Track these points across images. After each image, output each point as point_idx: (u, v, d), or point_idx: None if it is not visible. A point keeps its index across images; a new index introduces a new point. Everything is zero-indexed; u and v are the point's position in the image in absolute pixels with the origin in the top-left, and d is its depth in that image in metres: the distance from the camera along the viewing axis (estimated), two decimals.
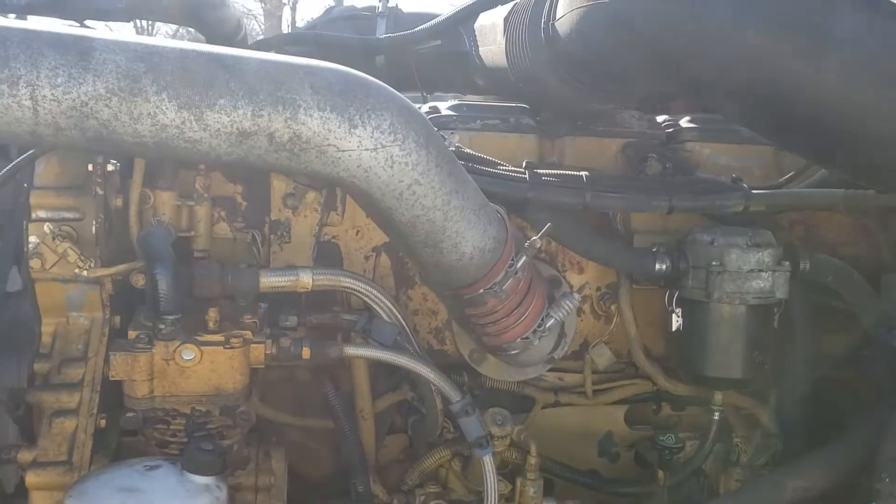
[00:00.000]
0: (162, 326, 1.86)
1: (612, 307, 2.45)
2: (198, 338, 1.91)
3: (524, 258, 1.93)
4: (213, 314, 1.94)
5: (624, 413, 2.62)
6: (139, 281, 2.10)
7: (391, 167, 1.65)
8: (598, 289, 2.47)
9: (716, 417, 2.36)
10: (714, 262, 2.16)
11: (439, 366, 2.19)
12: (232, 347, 1.92)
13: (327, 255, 2.31)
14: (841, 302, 2.41)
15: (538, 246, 1.96)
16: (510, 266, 1.91)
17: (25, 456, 1.94)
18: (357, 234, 2.35)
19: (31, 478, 1.90)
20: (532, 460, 2.28)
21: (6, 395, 1.98)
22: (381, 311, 2.16)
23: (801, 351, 2.40)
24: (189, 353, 1.89)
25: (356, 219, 2.35)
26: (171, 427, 1.94)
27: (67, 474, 1.92)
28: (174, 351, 1.88)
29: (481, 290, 1.91)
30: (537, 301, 2.06)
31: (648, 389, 2.56)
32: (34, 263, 1.99)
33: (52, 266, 2.01)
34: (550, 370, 2.53)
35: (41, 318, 2.09)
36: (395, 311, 2.17)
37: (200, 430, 1.95)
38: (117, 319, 2.14)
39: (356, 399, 2.31)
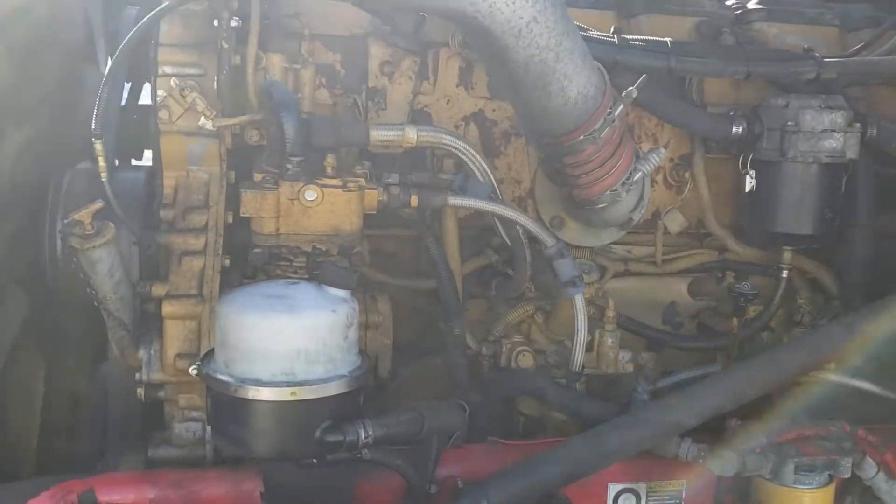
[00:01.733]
0: (289, 167, 2.02)
1: (686, 175, 2.59)
2: (319, 180, 2.07)
3: (621, 107, 2.07)
4: (330, 160, 2.10)
5: (687, 284, 2.79)
6: (253, 137, 2.27)
7: (513, 2, 1.78)
8: (672, 159, 2.61)
9: (784, 276, 2.51)
10: (789, 123, 2.30)
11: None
12: (349, 191, 2.09)
13: (419, 123, 2.46)
14: None
15: (634, 96, 2.09)
16: (608, 114, 2.05)
17: (159, 289, 2.12)
18: (448, 104, 2.48)
19: (166, 307, 2.09)
20: (609, 314, 2.45)
21: (139, 236, 2.16)
22: (476, 171, 2.32)
23: (864, 216, 2.54)
24: (311, 193, 2.05)
25: (447, 88, 2.48)
26: (294, 264, 2.12)
27: (199, 305, 2.10)
28: (298, 191, 2.04)
29: (581, 137, 2.06)
30: (627, 154, 2.21)
31: (714, 258, 2.72)
32: (162, 114, 2.15)
33: (177, 118, 2.17)
34: (620, 243, 2.69)
35: (163, 171, 2.25)
36: (488, 170, 2.32)
37: (319, 269, 2.12)
38: (232, 174, 2.30)
39: (447, 259, 2.47)
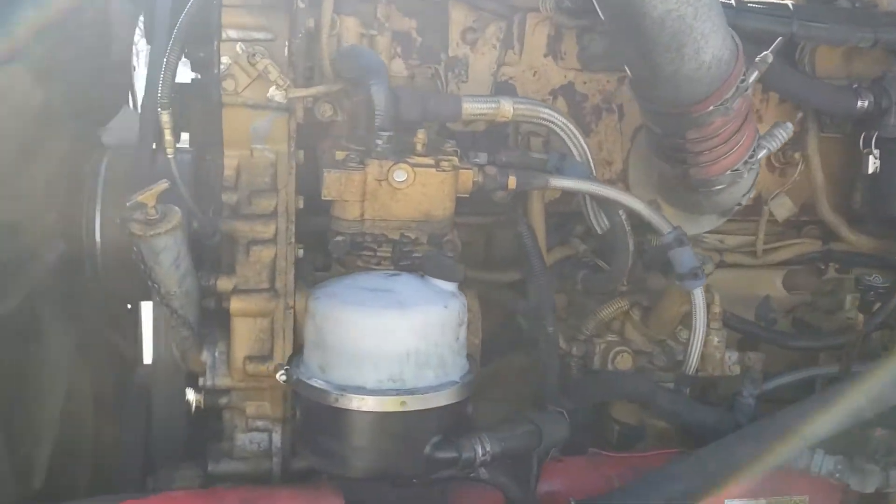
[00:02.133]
0: (378, 142, 1.76)
1: (796, 155, 2.34)
2: (409, 159, 1.82)
3: (756, 73, 1.82)
4: (421, 136, 1.85)
5: (783, 277, 2.55)
6: (326, 111, 2.01)
7: None
8: None
9: None
10: None
11: None
12: (443, 171, 1.83)
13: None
14: None
15: (769, 61, 1.84)
16: (742, 81, 1.80)
17: (225, 283, 1.87)
18: (534, 76, 2.24)
19: (235, 303, 1.84)
20: (716, 309, 2.20)
21: (200, 222, 1.90)
22: (573, 149, 2.07)
23: None
24: (402, 173, 1.80)
25: (534, 59, 2.24)
26: (378, 254, 1.87)
27: (272, 300, 1.85)
28: (387, 171, 1.79)
29: (711, 108, 1.81)
30: (751, 130, 1.96)
31: (817, 248, 2.48)
32: (227, 85, 1.89)
33: (244, 89, 1.91)
34: (711, 232, 2.45)
35: (224, 149, 2.00)
36: (586, 150, 2.07)
37: (406, 259, 1.87)
38: (301, 154, 2.05)
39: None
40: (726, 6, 2.04)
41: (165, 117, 1.76)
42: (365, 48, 1.88)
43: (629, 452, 2.04)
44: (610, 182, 2.32)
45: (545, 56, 2.23)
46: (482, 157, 2.01)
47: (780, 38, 1.89)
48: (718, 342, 2.20)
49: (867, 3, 2.35)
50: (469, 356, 1.66)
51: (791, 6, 2.09)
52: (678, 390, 2.09)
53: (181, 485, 1.98)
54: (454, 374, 1.54)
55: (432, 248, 1.89)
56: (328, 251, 1.85)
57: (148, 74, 2.28)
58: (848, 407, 1.89)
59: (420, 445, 1.48)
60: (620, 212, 2.07)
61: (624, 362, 2.18)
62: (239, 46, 1.90)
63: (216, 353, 1.88)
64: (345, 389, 1.47)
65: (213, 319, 1.91)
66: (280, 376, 1.57)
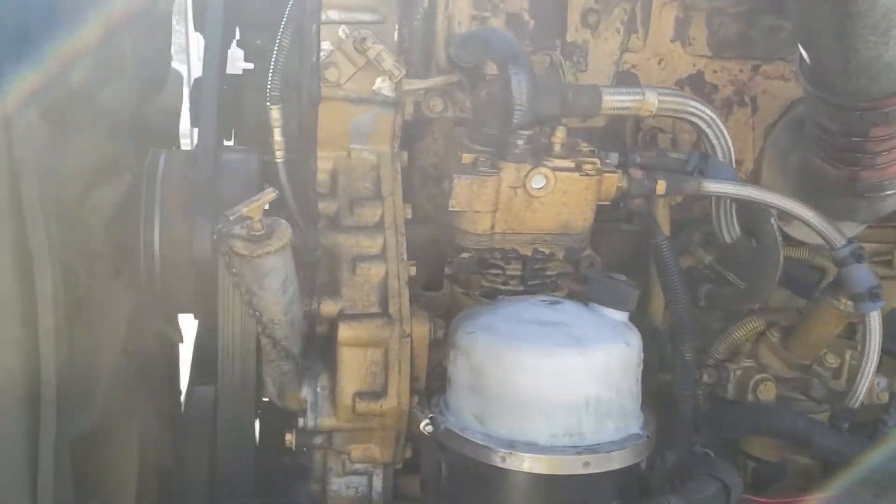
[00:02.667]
0: (520, 143, 1.49)
1: None
2: (547, 162, 1.54)
3: None
4: (560, 134, 1.58)
5: None
6: (436, 106, 1.75)
7: None
8: None
9: None
10: None
11: None
12: (586, 175, 1.56)
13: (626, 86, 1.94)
14: None
15: None
16: None
17: (330, 307, 1.60)
18: (659, 64, 1.97)
19: (345, 331, 1.57)
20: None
21: (302, 236, 1.63)
22: (717, 148, 1.80)
23: None
24: (540, 179, 1.53)
25: (659, 45, 1.97)
26: (507, 272, 1.60)
27: (386, 328, 1.58)
28: (525, 176, 1.52)
29: None
30: None
31: None
32: (330, 75, 1.62)
33: (347, 80, 1.64)
34: None
35: (315, 151, 1.73)
36: (731, 149, 1.81)
37: (537, 279, 1.61)
38: (405, 155, 1.78)
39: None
40: None
41: (276, 114, 1.49)
42: (499, 30, 1.61)
43: (784, 498, 1.77)
44: None
45: (672, 41, 1.96)
46: (613, 158, 1.75)
47: None
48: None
49: None
50: (643, 403, 1.38)
51: None
52: (838, 427, 1.82)
53: None
54: (634, 426, 1.27)
55: (567, 265, 1.62)
56: (434, 267, 1.58)
57: (204, 65, 2.02)
58: None
59: None
60: (772, 220, 1.80)
61: (767, 392, 1.92)
62: (342, 30, 1.63)
63: (318, 389, 1.61)
64: (513, 446, 1.20)
65: (313, 350, 1.64)
66: (426, 427, 1.30)
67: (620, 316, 1.33)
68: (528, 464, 1.19)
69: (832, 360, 1.97)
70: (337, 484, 1.74)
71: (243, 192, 1.78)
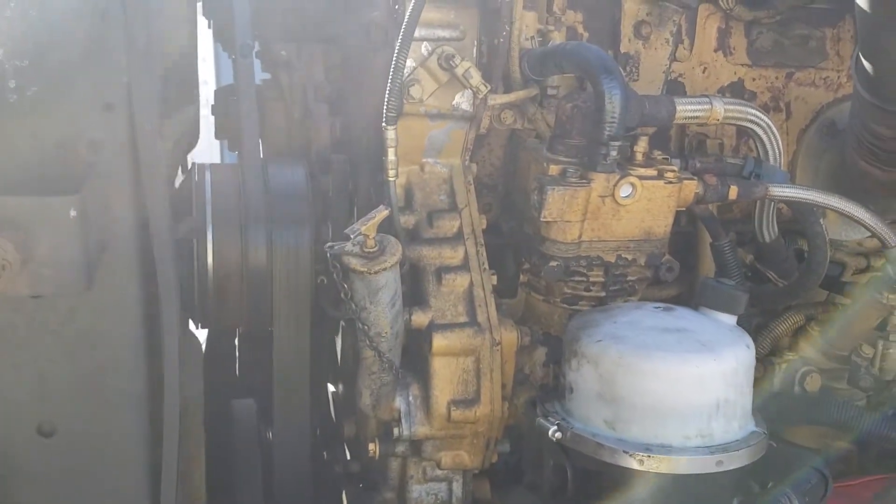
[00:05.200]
0: (613, 153, 1.55)
1: None
2: (632, 171, 1.61)
3: None
4: (643, 144, 1.64)
5: None
6: (507, 118, 1.80)
7: None
8: None
9: None
10: None
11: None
12: (669, 182, 1.63)
13: (674, 94, 2.01)
14: None
15: None
16: None
17: (420, 318, 1.63)
18: (704, 72, 2.05)
19: (438, 341, 1.61)
20: (895, 319, 2.05)
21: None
22: (770, 153, 1.88)
23: None
24: (627, 187, 1.59)
25: (704, 54, 2.05)
26: (590, 279, 1.66)
27: (477, 336, 1.62)
28: (614, 185, 1.58)
29: None
30: None
31: None
32: (415, 92, 1.65)
33: (429, 96, 1.67)
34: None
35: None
36: (782, 153, 1.90)
37: (618, 284, 1.67)
38: (474, 167, 1.82)
39: (698, 263, 2.04)
40: None
41: (391, 134, 1.51)
42: (589, 45, 1.67)
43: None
44: None
45: (715, 51, 2.05)
46: (675, 163, 1.82)
47: None
48: None
49: None
50: None
51: None
52: (885, 413, 1.93)
53: None
54: (752, 424, 1.34)
55: (647, 270, 1.69)
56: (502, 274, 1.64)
57: (240, 82, 2.00)
58: None
59: None
60: (822, 221, 1.90)
61: (814, 384, 2.02)
62: (424, 46, 1.66)
63: (410, 399, 1.65)
64: (649, 449, 1.25)
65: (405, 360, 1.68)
66: (554, 433, 1.34)
67: (730, 319, 1.40)
68: (666, 465, 1.25)
69: (868, 351, 2.08)
70: (417, 491, 1.77)
71: (293, 204, 1.81)
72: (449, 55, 1.62)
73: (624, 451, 1.26)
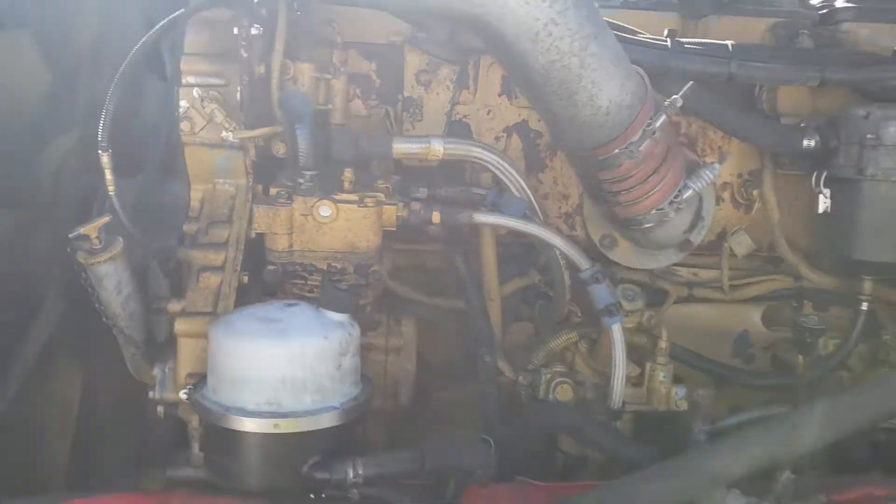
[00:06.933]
0: (301, 181, 1.92)
1: (755, 193, 2.33)
2: (334, 196, 1.96)
3: (663, 117, 1.86)
4: (348, 174, 1.98)
5: (762, 313, 2.52)
6: (280, 149, 2.18)
7: (528, 2, 1.62)
8: (740, 175, 2.37)
9: (863, 308, 2.22)
10: (869, 136, 2.01)
11: None
12: (365, 206, 1.97)
13: (458, 134, 2.31)
14: None
15: (679, 105, 1.88)
16: (648, 125, 1.85)
17: (175, 306, 2.05)
18: (488, 114, 2.33)
19: (179, 325, 2.02)
20: (662, 345, 2.22)
21: (159, 252, 2.11)
22: (510, 185, 2.15)
23: None
24: (326, 209, 1.94)
25: (488, 98, 2.33)
26: (309, 283, 2.02)
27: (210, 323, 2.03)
28: (312, 206, 1.94)
29: (616, 151, 1.86)
30: (674, 170, 1.99)
31: (789, 286, 2.45)
32: (184, 126, 2.09)
33: (200, 130, 2.11)
34: (685, 265, 2.47)
35: (191, 184, 2.20)
36: (524, 185, 2.15)
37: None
38: (259, 188, 2.22)
39: (484, 279, 2.31)
40: (659, 48, 2.09)
41: (105, 159, 1.96)
42: (296, 95, 2.03)
43: (556, 483, 2.08)
44: (566, 215, 2.39)
45: (499, 95, 2.32)
46: (422, 192, 2.13)
47: (690, 83, 1.91)
48: (664, 377, 2.22)
49: (838, 41, 2.32)
50: (365, 381, 1.78)
51: (730, 46, 2.10)
52: (608, 424, 2.12)
53: (146, 486, 2.19)
54: (334, 400, 1.66)
55: (360, 278, 2.02)
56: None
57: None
58: (761, 449, 1.88)
59: (298, 465, 1.62)
60: (556, 251, 2.13)
61: (564, 393, 2.23)
62: (195, 91, 2.10)
63: (166, 370, 2.07)
64: (229, 410, 1.62)
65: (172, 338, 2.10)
66: (182, 394, 1.74)
67: (340, 317, 1.73)
68: (237, 424, 1.61)
69: (630, 370, 2.26)
70: (196, 449, 2.18)
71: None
72: (202, 98, 2.05)
73: (213, 411, 1.63)
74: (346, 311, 1.74)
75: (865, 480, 1.89)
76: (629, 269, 2.40)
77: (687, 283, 2.48)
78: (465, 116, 2.33)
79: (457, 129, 2.32)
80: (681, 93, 1.88)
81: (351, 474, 1.61)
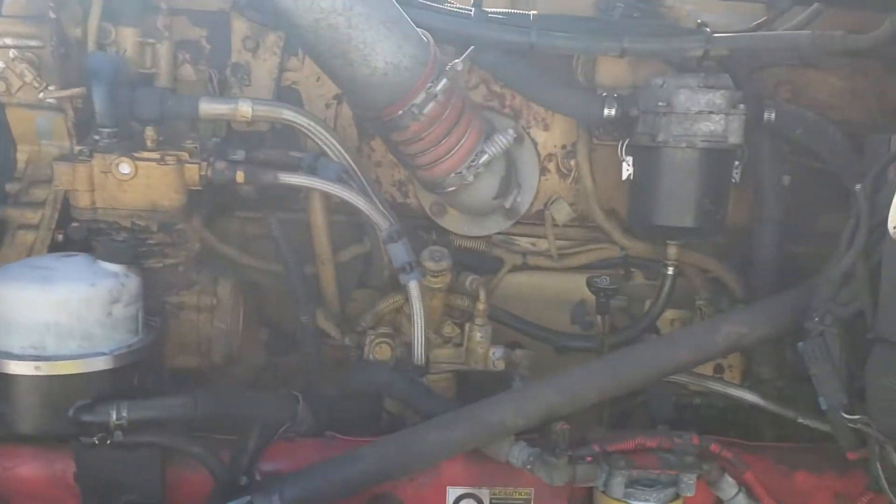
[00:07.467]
0: (97, 138, 1.96)
1: (572, 163, 2.41)
2: (134, 154, 2.01)
3: (444, 81, 1.92)
4: (150, 133, 2.03)
5: (587, 279, 2.58)
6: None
7: None
8: (563, 146, 2.43)
9: (669, 272, 2.30)
10: (661, 103, 2.09)
11: (404, 220, 2.23)
12: (166, 164, 2.01)
13: (287, 100, 2.36)
14: (817, 160, 2.29)
15: (459, 69, 1.94)
16: (429, 88, 1.91)
17: None
18: (318, 81, 2.37)
19: None
20: (480, 307, 2.29)
21: None
22: (327, 150, 2.20)
23: (772, 211, 2.29)
24: (125, 167, 1.99)
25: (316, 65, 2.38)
26: (116, 240, 2.06)
27: None
28: (111, 164, 1.99)
29: (400, 112, 1.92)
30: (471, 135, 2.05)
31: (616, 254, 2.52)
32: (1, 86, 2.13)
33: (17, 90, 2.15)
34: (525, 235, 2.53)
35: (16, 144, 2.24)
36: (342, 150, 2.20)
37: (143, 246, 2.06)
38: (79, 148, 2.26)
39: (314, 244, 2.36)
40: (461, 16, 2.15)
41: None
42: (99, 56, 2.08)
43: (357, 438, 2.14)
44: (399, 183, 2.44)
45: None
46: (239, 154, 2.17)
47: (471, 48, 1.98)
48: (481, 338, 2.29)
49: (660, 16, 2.38)
50: (148, 330, 1.83)
51: (532, 16, 2.16)
52: (414, 380, 2.19)
53: None
54: (103, 347, 1.72)
55: (165, 237, 2.08)
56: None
57: None
58: (542, 400, 1.95)
59: (64, 408, 1.67)
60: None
61: (382, 353, 2.29)
62: (11, 52, 2.14)
63: None
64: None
65: None
66: None
67: (115, 268, 1.78)
68: (3, 367, 1.66)
69: (449, 330, 2.32)
70: None
71: None
72: (13, 59, 2.09)
73: None
74: (122, 262, 1.79)
75: (640, 433, 1.97)
76: (468, 237, 2.46)
77: (522, 252, 2.54)
78: (294, 83, 2.38)
79: (286, 95, 2.36)
80: (461, 58, 1.95)
81: (114, 416, 1.67)
